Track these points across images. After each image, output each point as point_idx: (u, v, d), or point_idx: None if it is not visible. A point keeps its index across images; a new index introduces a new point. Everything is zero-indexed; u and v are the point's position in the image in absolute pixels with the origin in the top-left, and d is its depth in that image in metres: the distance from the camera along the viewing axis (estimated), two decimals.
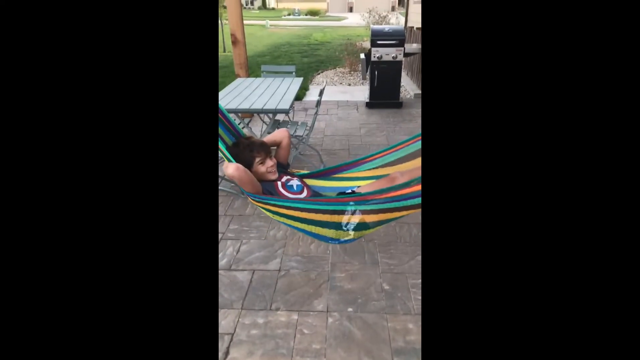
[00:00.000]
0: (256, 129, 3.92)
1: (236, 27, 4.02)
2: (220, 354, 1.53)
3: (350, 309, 1.73)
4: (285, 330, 1.62)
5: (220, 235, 2.27)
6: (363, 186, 1.58)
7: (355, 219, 1.28)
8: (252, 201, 1.48)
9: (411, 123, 4.18)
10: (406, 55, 4.53)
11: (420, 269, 1.94)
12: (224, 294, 1.83)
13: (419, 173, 1.41)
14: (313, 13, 28.50)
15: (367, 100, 4.76)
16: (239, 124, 3.08)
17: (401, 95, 4.86)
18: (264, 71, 4.00)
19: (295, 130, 3.00)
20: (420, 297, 1.77)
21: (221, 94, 3.13)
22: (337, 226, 1.32)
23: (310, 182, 1.73)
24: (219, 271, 1.98)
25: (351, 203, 1.26)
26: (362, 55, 4.56)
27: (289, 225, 1.46)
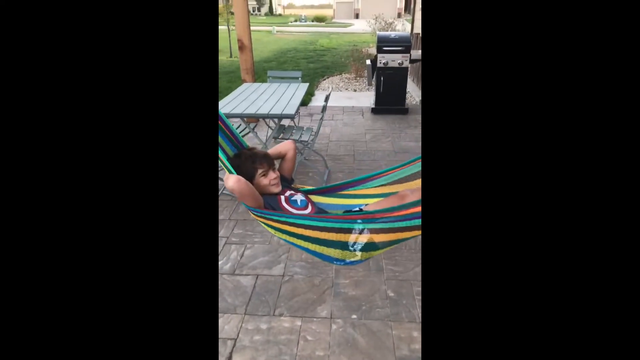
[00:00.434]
0: (262, 134, 3.93)
1: (243, 33, 4.06)
2: (223, 359, 1.52)
3: (354, 316, 1.71)
4: (288, 337, 1.61)
5: (224, 240, 2.27)
6: (371, 204, 1.50)
7: (364, 238, 1.20)
8: (253, 215, 1.41)
9: (417, 129, 4.17)
10: (412, 61, 4.53)
11: None
12: (227, 298, 1.82)
13: None
14: (319, 19, 28.69)
15: (373, 106, 4.76)
16: (244, 129, 3.10)
17: (407, 101, 4.86)
18: (270, 76, 4.02)
19: (301, 136, 3.00)
20: None
21: (227, 98, 3.15)
22: (344, 246, 1.24)
23: (315, 198, 1.66)
24: (223, 276, 1.98)
25: (359, 221, 1.19)
26: (368, 62, 4.57)
27: (291, 243, 1.38)
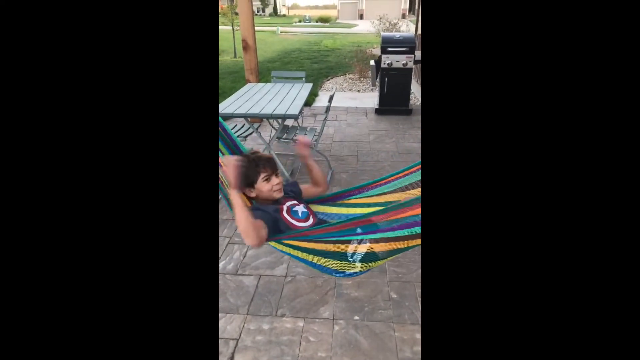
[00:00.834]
0: (265, 134, 3.93)
1: (247, 33, 4.06)
2: (225, 359, 1.52)
3: (356, 317, 1.70)
4: (290, 337, 1.61)
5: (227, 240, 2.27)
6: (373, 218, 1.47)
7: (363, 248, 1.16)
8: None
9: (420, 130, 4.15)
10: (416, 62, 4.52)
11: None
12: (230, 298, 1.82)
13: None
14: (323, 20, 28.73)
15: (377, 107, 4.75)
16: (248, 129, 3.10)
17: (411, 102, 4.84)
18: (274, 77, 4.03)
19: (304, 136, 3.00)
20: None
21: (231, 98, 3.15)
22: (342, 257, 1.20)
23: (315, 208, 1.61)
24: (226, 275, 1.98)
25: (358, 230, 1.14)
26: (372, 62, 4.57)
27: (289, 254, 1.35)
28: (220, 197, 1.44)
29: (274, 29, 17.85)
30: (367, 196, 1.58)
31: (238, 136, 2.83)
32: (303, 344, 1.58)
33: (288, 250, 1.34)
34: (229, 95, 3.28)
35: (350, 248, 1.18)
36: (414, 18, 7.64)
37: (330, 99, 3.05)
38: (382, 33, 4.76)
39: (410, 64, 4.42)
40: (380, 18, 10.99)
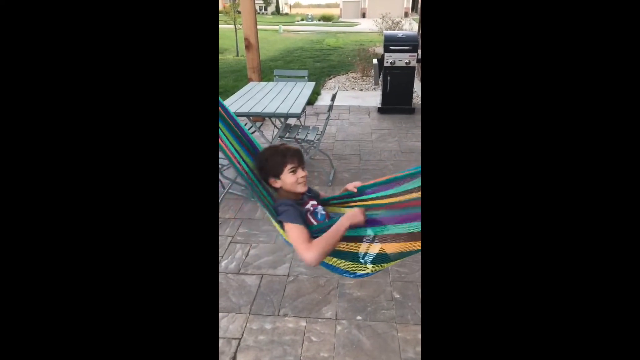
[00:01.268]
0: (268, 133, 3.93)
1: (250, 32, 4.06)
2: (228, 359, 1.51)
3: (359, 317, 1.70)
4: (293, 337, 1.60)
5: (229, 239, 2.27)
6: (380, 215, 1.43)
7: (374, 248, 1.17)
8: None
9: None
10: (419, 61, 4.50)
11: None
12: (232, 298, 1.82)
13: None
14: (326, 18, 28.68)
15: (379, 106, 4.74)
16: (250, 128, 3.10)
17: (414, 101, 4.82)
18: (276, 75, 4.02)
19: (307, 135, 2.99)
20: None
21: (234, 97, 3.15)
22: (354, 257, 1.22)
23: (328, 209, 1.61)
24: (228, 275, 1.98)
25: (369, 230, 1.17)
26: (375, 61, 4.55)
27: None
28: (260, 205, 1.42)
29: (277, 27, 17.83)
30: (376, 198, 1.58)
31: None
32: (305, 344, 1.57)
33: None
34: (232, 94, 3.27)
35: (362, 248, 1.19)
36: (416, 16, 7.62)
37: (333, 97, 3.04)
38: (384, 31, 4.75)
39: (413, 63, 4.40)
40: (383, 16, 10.96)
